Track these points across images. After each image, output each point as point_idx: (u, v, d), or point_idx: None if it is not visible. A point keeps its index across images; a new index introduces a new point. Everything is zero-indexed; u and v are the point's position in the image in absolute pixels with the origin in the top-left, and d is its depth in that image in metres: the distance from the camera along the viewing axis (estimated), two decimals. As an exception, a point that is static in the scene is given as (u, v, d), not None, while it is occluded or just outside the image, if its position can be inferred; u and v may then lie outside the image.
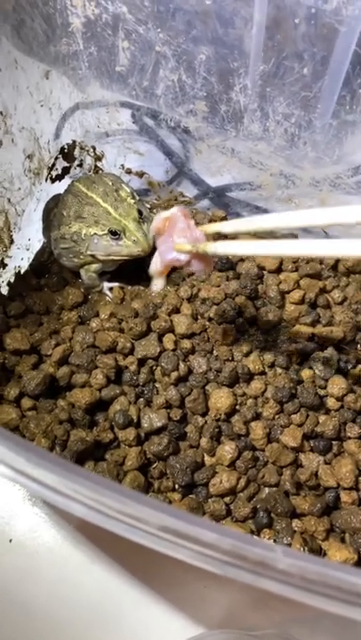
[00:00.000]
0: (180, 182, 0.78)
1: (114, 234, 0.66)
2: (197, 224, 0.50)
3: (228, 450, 0.60)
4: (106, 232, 0.66)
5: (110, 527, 0.30)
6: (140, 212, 0.67)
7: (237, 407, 0.64)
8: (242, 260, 0.73)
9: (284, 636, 0.54)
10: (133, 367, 0.65)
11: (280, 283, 0.71)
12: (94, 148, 0.75)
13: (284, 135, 0.62)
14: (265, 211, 0.74)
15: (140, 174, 0.76)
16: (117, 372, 0.64)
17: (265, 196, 0.73)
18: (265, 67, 0.57)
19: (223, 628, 0.57)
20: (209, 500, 0.60)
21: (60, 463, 0.31)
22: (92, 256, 0.69)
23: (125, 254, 0.67)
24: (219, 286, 0.71)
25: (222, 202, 0.76)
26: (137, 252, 0.66)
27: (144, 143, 0.74)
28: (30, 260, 0.74)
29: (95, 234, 0.67)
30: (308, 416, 0.63)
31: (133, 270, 0.73)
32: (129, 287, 0.73)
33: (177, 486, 0.60)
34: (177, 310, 0.70)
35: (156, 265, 0.54)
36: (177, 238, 0.49)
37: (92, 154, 0.76)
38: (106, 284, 0.73)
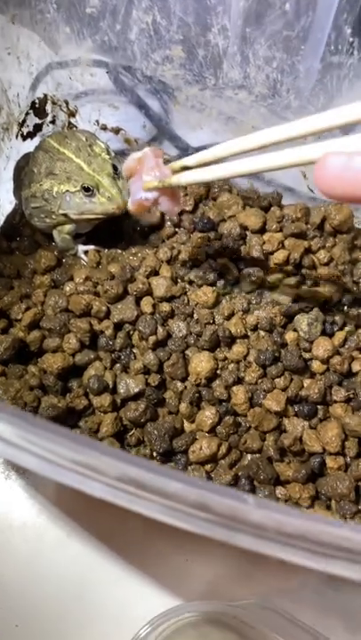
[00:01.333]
0: (160, 141, 0.74)
1: (87, 190, 0.61)
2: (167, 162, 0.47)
3: (208, 415, 0.57)
4: (78, 188, 0.62)
5: (62, 479, 0.27)
6: (114, 168, 0.63)
7: (218, 372, 0.60)
8: (223, 220, 0.70)
9: (265, 606, 0.51)
10: (109, 332, 0.61)
11: (264, 243, 0.67)
12: (67, 103, 0.71)
13: (265, 82, 0.58)
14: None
15: (117, 130, 0.72)
16: (92, 336, 0.61)
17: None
18: (244, 3, 0.53)
19: (198, 598, 0.54)
20: (189, 467, 0.57)
21: (6, 410, 0.27)
22: (65, 215, 0.65)
23: (100, 212, 0.63)
24: (200, 247, 0.67)
25: (203, 160, 0.72)
26: (112, 210, 0.62)
27: (119, 97, 0.69)
28: (0, 222, 0.70)
29: (67, 191, 0.63)
30: (292, 380, 0.60)
31: (110, 232, 0.69)
32: (105, 250, 0.69)
33: (155, 454, 0.57)
34: (156, 273, 0.66)
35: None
36: (145, 176, 0.46)
37: (65, 109, 0.71)
38: (81, 247, 0.69)
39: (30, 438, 0.27)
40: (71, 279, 0.66)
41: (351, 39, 0.51)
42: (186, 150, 0.72)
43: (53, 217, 0.66)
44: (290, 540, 0.25)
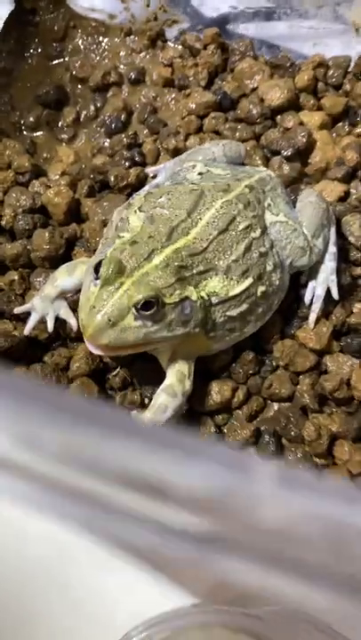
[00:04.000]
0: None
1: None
2: None
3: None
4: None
5: None
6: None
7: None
8: (244, 94, 0.54)
9: (294, 615, 0.37)
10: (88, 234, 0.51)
11: (300, 124, 0.51)
12: None
13: None
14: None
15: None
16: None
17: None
18: None
19: (206, 599, 0.42)
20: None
21: None
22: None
23: None
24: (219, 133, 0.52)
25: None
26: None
27: None
28: None
29: None
30: (337, 304, 0.45)
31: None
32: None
33: (147, 400, 0.45)
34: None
35: None
36: None
37: None
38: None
39: None
40: (42, 175, 0.52)
41: None
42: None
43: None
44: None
